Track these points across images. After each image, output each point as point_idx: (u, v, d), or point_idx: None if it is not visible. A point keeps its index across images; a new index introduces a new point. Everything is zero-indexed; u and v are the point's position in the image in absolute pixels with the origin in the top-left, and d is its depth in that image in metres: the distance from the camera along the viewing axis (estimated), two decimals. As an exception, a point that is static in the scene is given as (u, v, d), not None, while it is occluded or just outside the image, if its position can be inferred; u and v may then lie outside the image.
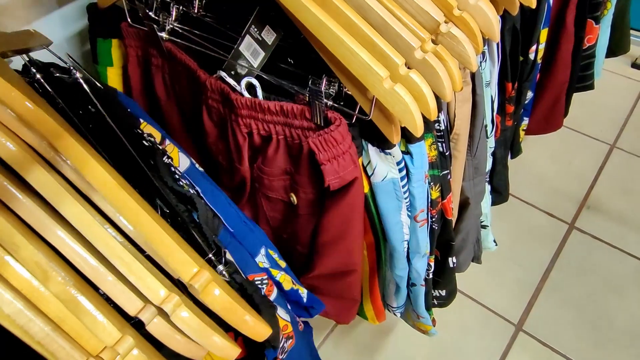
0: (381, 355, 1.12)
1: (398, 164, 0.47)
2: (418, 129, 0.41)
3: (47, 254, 0.28)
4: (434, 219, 0.56)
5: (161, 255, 0.31)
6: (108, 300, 0.30)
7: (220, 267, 0.38)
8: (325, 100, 0.43)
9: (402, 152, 0.48)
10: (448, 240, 0.62)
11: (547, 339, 1.15)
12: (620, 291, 1.21)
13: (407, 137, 0.47)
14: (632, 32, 1.17)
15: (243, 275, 0.38)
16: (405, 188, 0.49)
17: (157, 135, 0.51)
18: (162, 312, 0.30)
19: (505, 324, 1.18)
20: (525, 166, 1.47)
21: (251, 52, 0.50)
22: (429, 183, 0.52)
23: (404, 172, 0.48)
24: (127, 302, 0.28)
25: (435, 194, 0.53)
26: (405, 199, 0.49)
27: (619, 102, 1.66)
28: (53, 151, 0.33)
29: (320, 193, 0.48)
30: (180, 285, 0.33)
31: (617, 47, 1.12)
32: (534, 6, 0.52)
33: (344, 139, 0.43)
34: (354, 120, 0.45)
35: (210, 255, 0.38)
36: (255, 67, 0.50)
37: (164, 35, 0.53)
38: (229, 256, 0.37)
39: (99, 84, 0.52)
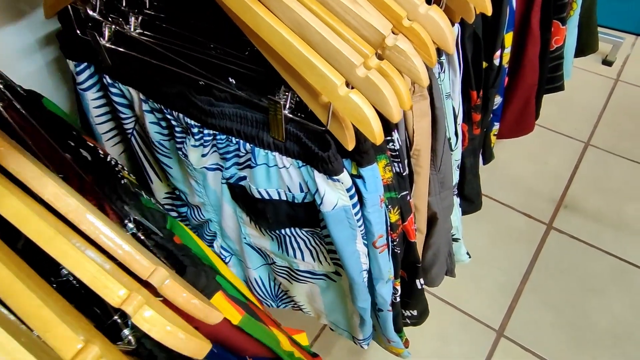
0: (361, 369, 1.09)
1: (348, 190, 0.43)
2: (377, 138, 0.38)
3: None
4: (395, 243, 0.52)
5: (38, 333, 0.26)
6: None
7: (126, 332, 0.33)
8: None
9: (354, 176, 0.44)
10: (413, 262, 0.59)
11: (528, 343, 1.13)
12: (599, 290, 1.20)
13: (358, 160, 0.43)
14: (600, 29, 1.16)
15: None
16: (359, 215, 0.45)
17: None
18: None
19: (487, 330, 1.16)
20: (502, 167, 1.46)
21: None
22: (387, 206, 0.48)
23: (356, 198, 0.44)
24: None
25: (394, 217, 0.50)
26: (360, 226, 0.45)
27: (592, 100, 1.66)
28: None
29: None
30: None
31: (585, 46, 1.11)
32: (489, 13, 0.48)
33: None
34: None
35: (115, 318, 0.33)
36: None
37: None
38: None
39: (20, 89, 0.47)
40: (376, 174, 0.44)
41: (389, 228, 0.50)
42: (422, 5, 0.44)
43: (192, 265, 0.38)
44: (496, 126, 0.97)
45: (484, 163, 1.02)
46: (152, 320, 0.28)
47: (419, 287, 0.62)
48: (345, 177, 0.42)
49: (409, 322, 0.72)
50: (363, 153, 0.43)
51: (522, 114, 0.99)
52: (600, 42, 1.18)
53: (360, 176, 0.44)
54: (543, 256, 1.28)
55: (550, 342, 1.13)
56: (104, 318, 0.35)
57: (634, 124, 1.58)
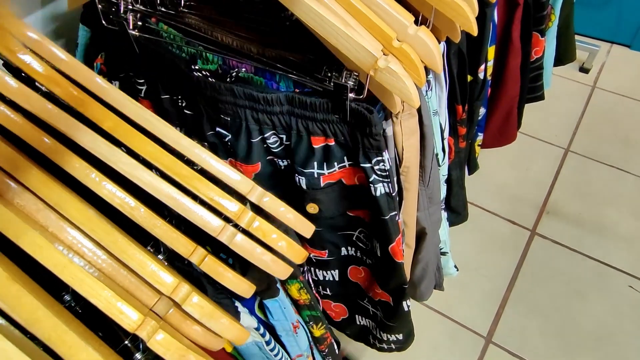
0: (350, 382, 1.08)
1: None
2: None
3: None
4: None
5: (64, 357, 0.27)
6: None
7: (138, 356, 0.34)
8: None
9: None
10: (400, 284, 0.58)
11: (516, 349, 1.14)
12: (582, 294, 1.22)
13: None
14: (576, 37, 1.19)
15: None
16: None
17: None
18: None
19: (475, 337, 1.17)
20: (485, 175, 1.48)
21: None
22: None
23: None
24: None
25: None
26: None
27: (570, 107, 1.70)
28: None
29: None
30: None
31: (563, 56, 1.13)
32: (475, 33, 0.49)
33: None
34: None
35: (126, 342, 0.34)
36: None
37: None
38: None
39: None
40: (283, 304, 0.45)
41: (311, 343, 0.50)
42: (411, 26, 0.44)
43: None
44: (480, 137, 0.99)
45: (469, 173, 1.03)
46: (165, 344, 0.30)
47: (406, 309, 0.61)
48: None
49: (394, 347, 0.70)
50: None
51: (505, 124, 1.00)
52: (577, 50, 1.21)
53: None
54: (528, 262, 1.30)
55: (536, 346, 1.14)
56: (110, 343, 0.35)
57: (611, 129, 1.62)
